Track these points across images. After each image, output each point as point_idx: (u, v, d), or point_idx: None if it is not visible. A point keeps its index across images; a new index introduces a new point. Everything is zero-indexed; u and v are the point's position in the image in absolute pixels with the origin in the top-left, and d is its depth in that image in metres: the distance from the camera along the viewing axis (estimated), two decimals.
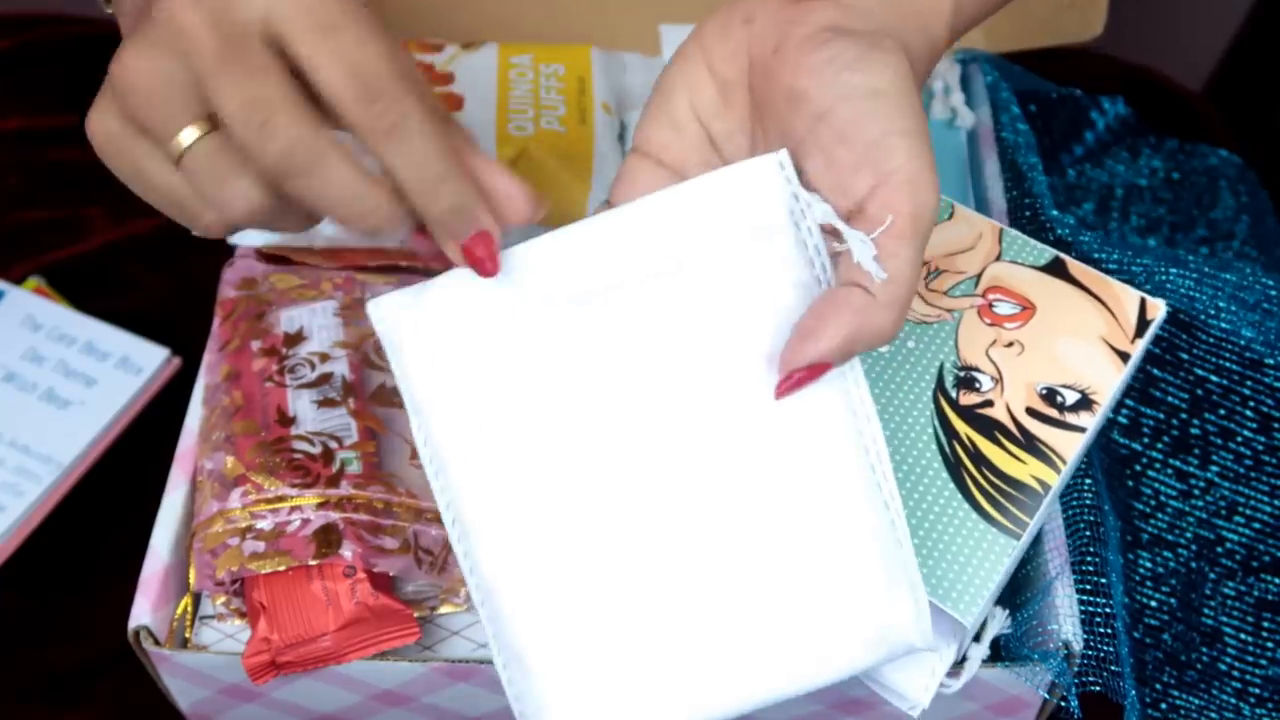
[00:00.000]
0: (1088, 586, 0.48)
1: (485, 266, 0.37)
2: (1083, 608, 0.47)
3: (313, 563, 0.47)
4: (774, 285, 0.37)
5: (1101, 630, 0.48)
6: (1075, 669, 0.46)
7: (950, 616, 0.42)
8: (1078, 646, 0.45)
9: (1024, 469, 0.44)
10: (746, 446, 0.38)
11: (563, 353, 0.38)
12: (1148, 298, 0.48)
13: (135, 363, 0.62)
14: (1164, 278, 0.55)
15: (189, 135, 0.34)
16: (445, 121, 0.36)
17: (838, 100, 0.35)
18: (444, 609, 0.50)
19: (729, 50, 0.38)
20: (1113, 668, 0.47)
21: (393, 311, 0.39)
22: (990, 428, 0.45)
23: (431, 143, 0.35)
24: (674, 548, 0.38)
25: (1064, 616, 0.46)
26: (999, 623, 0.46)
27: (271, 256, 0.59)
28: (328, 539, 0.47)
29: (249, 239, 0.58)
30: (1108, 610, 0.48)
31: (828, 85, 0.35)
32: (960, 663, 0.45)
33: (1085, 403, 0.45)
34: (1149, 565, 0.57)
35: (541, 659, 0.38)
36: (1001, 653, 0.47)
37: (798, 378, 0.36)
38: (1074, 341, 0.47)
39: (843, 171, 0.35)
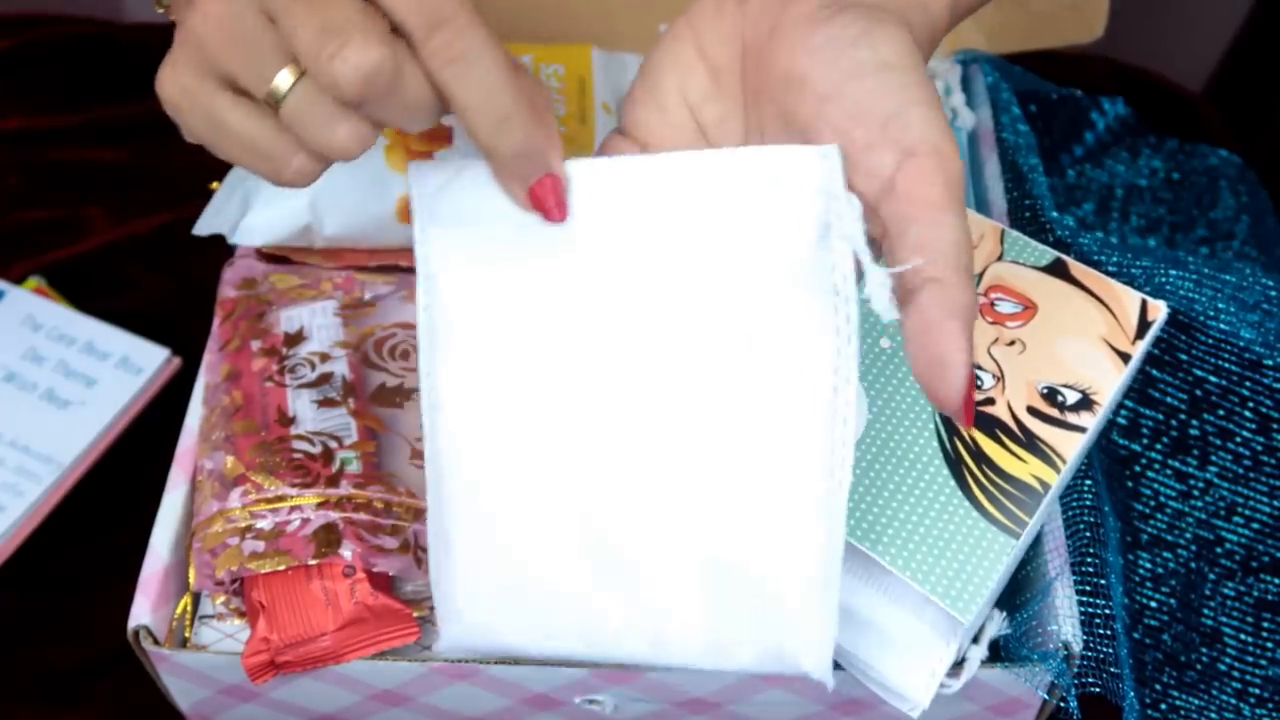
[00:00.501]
0: (1087, 588, 0.48)
1: (553, 213, 0.36)
2: (1082, 609, 0.47)
3: (312, 562, 0.47)
4: (784, 280, 0.36)
5: (1101, 632, 0.48)
6: (1074, 670, 0.46)
7: (949, 614, 0.42)
8: (1077, 647, 0.45)
9: (1024, 468, 0.44)
10: (716, 425, 0.37)
11: (569, 275, 0.38)
12: (1149, 299, 0.48)
13: (135, 363, 0.62)
14: (1164, 279, 0.55)
15: (284, 79, 0.33)
16: (517, 66, 0.34)
17: (846, 78, 0.34)
18: None
19: (722, 33, 0.37)
20: (1112, 669, 0.47)
21: (430, 178, 0.39)
22: (991, 425, 0.45)
23: (499, 77, 0.33)
24: (619, 492, 0.38)
25: (1063, 617, 0.46)
26: (997, 625, 0.46)
27: (271, 256, 0.59)
28: (327, 539, 0.47)
29: (249, 238, 0.58)
30: (1107, 611, 0.48)
31: (832, 64, 0.34)
32: (960, 663, 0.45)
33: (1086, 403, 0.45)
34: (1149, 566, 0.57)
35: (465, 540, 0.39)
36: (1001, 653, 0.47)
37: (967, 401, 0.35)
38: (1075, 341, 0.47)
39: (861, 150, 0.34)
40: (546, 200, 0.36)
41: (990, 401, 0.46)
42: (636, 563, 0.38)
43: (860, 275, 0.35)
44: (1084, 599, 0.48)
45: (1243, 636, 0.56)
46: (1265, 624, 0.56)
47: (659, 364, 0.38)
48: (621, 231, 0.37)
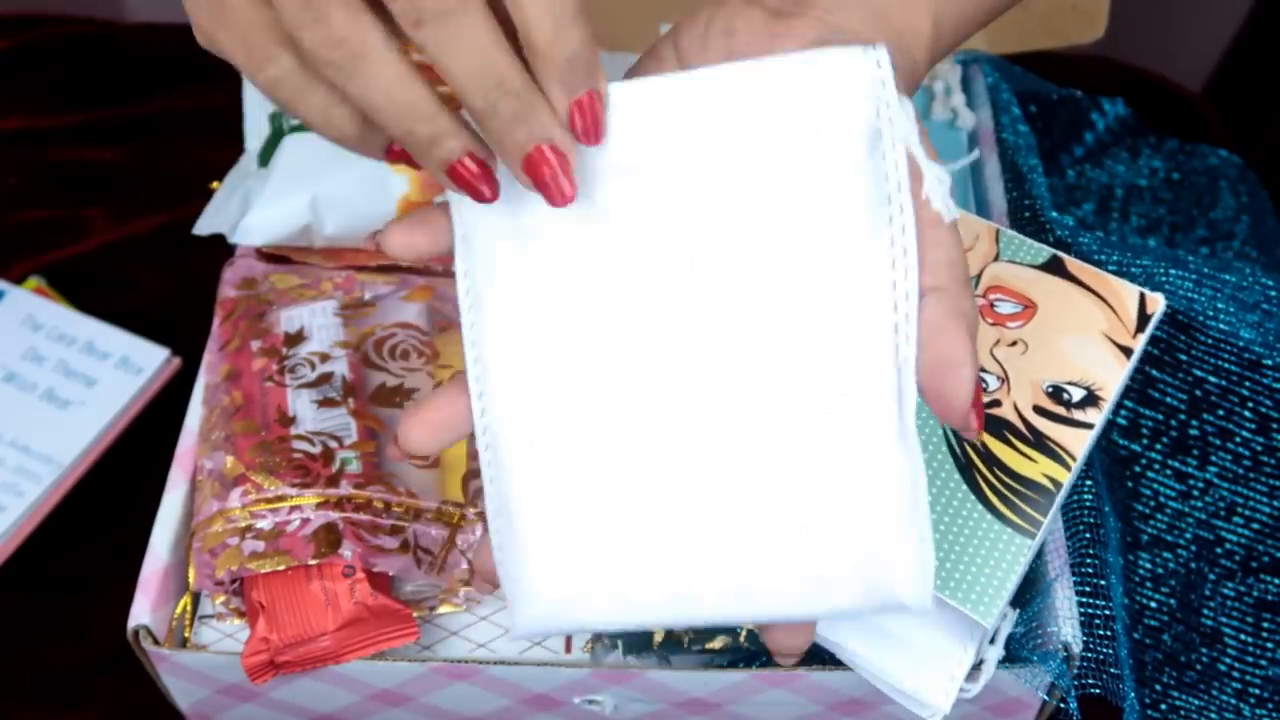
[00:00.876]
0: (1087, 589, 0.48)
1: (554, 192, 0.33)
2: (1082, 610, 0.47)
3: (312, 562, 0.47)
4: (837, 194, 0.35)
5: (1101, 633, 0.48)
6: (1074, 671, 0.45)
7: (966, 618, 0.42)
8: (1077, 648, 0.45)
9: (1035, 467, 0.44)
10: (778, 359, 0.35)
11: (613, 208, 0.36)
12: (1146, 292, 0.48)
13: (135, 363, 0.62)
14: (1164, 279, 0.55)
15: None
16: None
17: None
18: (443, 609, 0.50)
19: (706, 61, 0.37)
20: (1112, 670, 0.47)
21: None
22: (1000, 427, 0.45)
23: (490, 31, 0.30)
24: (688, 443, 0.36)
25: (1063, 618, 0.46)
26: (1010, 622, 0.46)
27: (271, 256, 0.59)
28: (327, 539, 0.47)
29: (249, 238, 0.58)
30: (1107, 613, 0.48)
31: None
32: (977, 665, 0.45)
33: (1091, 399, 0.45)
34: (1149, 566, 0.57)
35: (532, 515, 0.37)
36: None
37: (976, 404, 0.35)
38: (1077, 338, 0.47)
39: None
40: (545, 171, 0.33)
41: (996, 403, 0.46)
42: (714, 517, 0.36)
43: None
44: (1084, 600, 0.48)
45: (1242, 637, 0.56)
46: (1265, 624, 0.56)
47: (712, 299, 0.36)
48: (666, 157, 0.36)
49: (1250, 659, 0.55)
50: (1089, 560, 0.49)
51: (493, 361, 0.37)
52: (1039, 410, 0.45)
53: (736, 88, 0.35)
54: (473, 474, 0.51)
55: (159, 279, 0.69)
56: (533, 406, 0.37)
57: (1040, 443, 0.45)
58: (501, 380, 0.37)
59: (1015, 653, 0.46)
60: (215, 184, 0.61)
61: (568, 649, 0.49)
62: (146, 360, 0.63)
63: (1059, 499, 0.44)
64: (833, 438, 0.35)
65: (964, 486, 0.44)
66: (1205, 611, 0.56)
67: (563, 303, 0.37)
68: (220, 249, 0.59)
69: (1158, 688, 0.54)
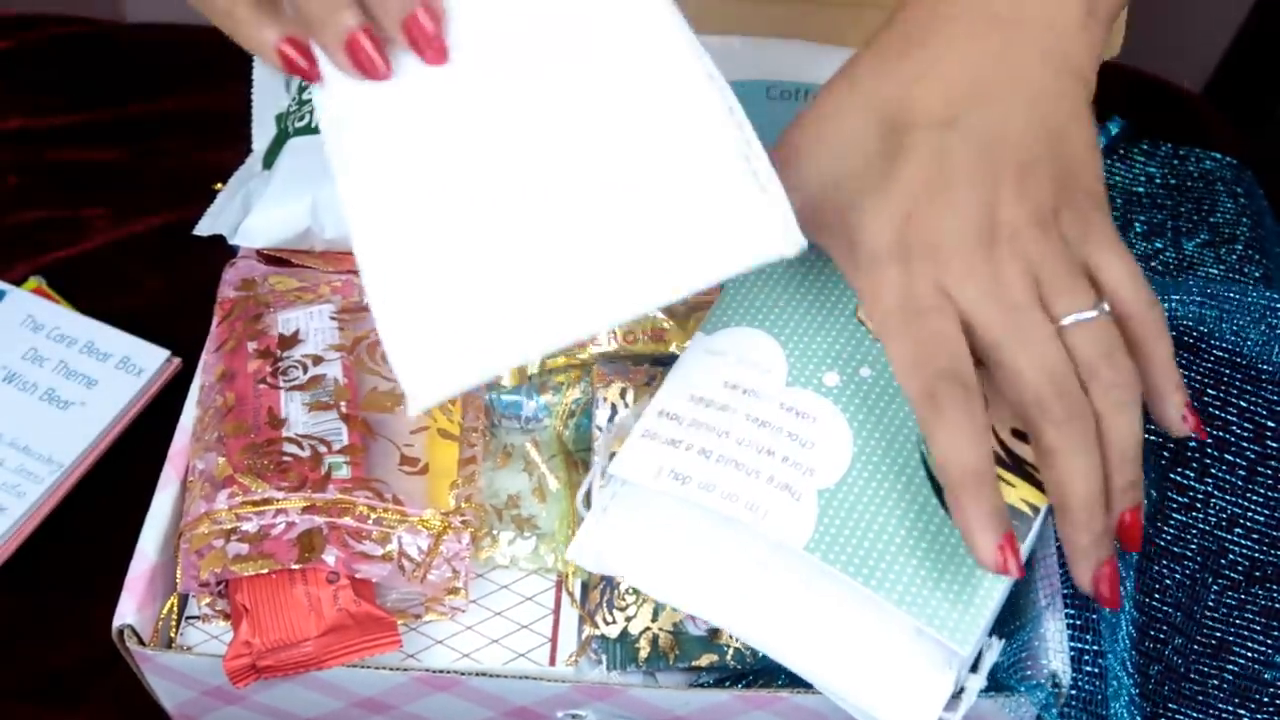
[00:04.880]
0: (1079, 622, 0.48)
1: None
2: (1073, 645, 0.46)
3: (295, 567, 0.47)
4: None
5: (1089, 669, 0.47)
6: (1061, 704, 0.45)
7: (946, 645, 0.42)
8: (1065, 679, 0.44)
9: (1012, 492, 0.43)
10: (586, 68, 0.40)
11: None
12: None
13: (135, 363, 0.63)
14: (1165, 301, 0.55)
15: None
16: None
17: None
18: (428, 617, 0.50)
19: None
20: (1100, 712, 0.47)
21: None
22: None
23: None
24: (523, 170, 0.40)
25: (1053, 649, 0.45)
26: (994, 651, 0.45)
27: (272, 258, 0.59)
28: (311, 543, 0.47)
29: (249, 240, 0.58)
30: (1095, 649, 0.47)
31: None
32: (958, 694, 0.44)
33: None
34: (1156, 577, 0.56)
35: (408, 292, 0.40)
36: (987, 682, 0.46)
37: None
38: None
39: None
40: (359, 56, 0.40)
41: None
42: (566, 237, 0.39)
43: None
44: (1074, 633, 0.47)
45: (1245, 647, 0.55)
46: (1269, 634, 0.55)
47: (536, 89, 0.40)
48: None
49: (1252, 670, 0.54)
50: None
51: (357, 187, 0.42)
52: (1016, 434, 0.44)
53: None
54: (459, 482, 0.51)
55: (159, 279, 0.69)
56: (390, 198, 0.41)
57: (1018, 467, 0.44)
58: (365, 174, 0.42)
59: (1003, 681, 0.45)
60: (219, 185, 0.61)
61: (552, 661, 0.49)
62: (147, 361, 0.63)
63: (1037, 524, 0.43)
64: (652, 129, 0.39)
65: (941, 511, 0.43)
66: (1208, 622, 0.55)
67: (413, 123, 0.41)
68: (221, 250, 0.59)
69: (1159, 699, 0.54)
